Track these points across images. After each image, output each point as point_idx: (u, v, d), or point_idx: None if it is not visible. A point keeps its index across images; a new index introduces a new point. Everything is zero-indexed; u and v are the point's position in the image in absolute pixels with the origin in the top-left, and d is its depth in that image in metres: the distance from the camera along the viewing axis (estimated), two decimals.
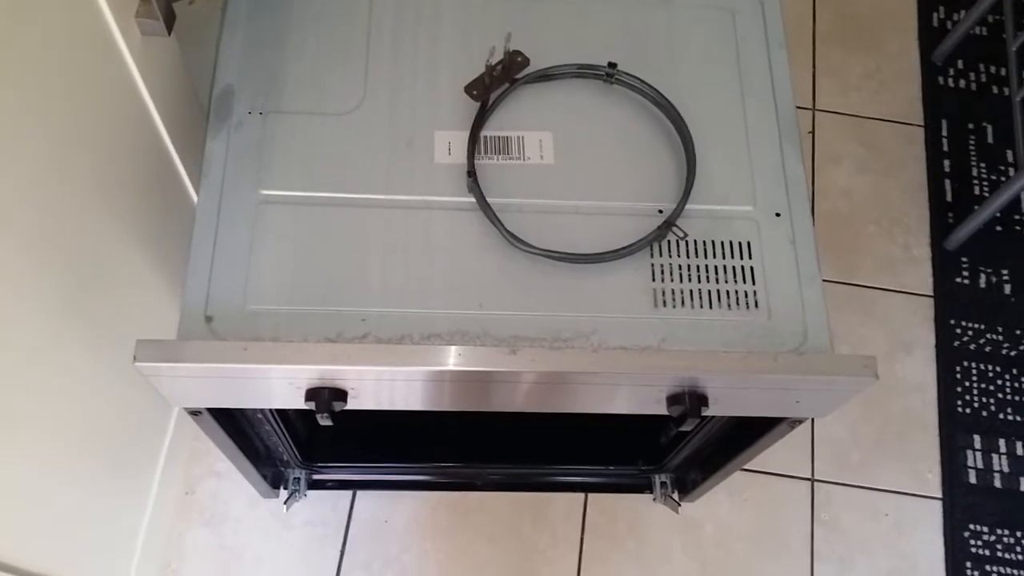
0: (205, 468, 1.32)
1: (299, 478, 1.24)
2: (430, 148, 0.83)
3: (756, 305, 0.79)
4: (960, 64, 1.74)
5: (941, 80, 1.73)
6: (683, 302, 0.79)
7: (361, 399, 0.76)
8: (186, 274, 0.75)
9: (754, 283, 0.80)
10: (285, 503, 1.22)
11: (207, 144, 0.81)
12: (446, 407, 0.79)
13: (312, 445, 1.20)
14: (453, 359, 0.71)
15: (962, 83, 1.73)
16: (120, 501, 1.08)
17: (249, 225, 0.78)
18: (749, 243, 0.82)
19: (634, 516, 1.35)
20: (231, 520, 1.30)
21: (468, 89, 0.85)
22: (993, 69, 1.74)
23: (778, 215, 0.83)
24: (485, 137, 0.84)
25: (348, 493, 1.33)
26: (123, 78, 0.84)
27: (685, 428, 0.81)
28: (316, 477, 1.26)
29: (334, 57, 0.86)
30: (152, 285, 1.02)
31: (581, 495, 1.35)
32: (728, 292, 0.79)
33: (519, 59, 0.87)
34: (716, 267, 0.80)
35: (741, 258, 0.81)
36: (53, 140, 0.74)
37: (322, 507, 1.31)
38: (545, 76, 0.86)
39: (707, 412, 0.78)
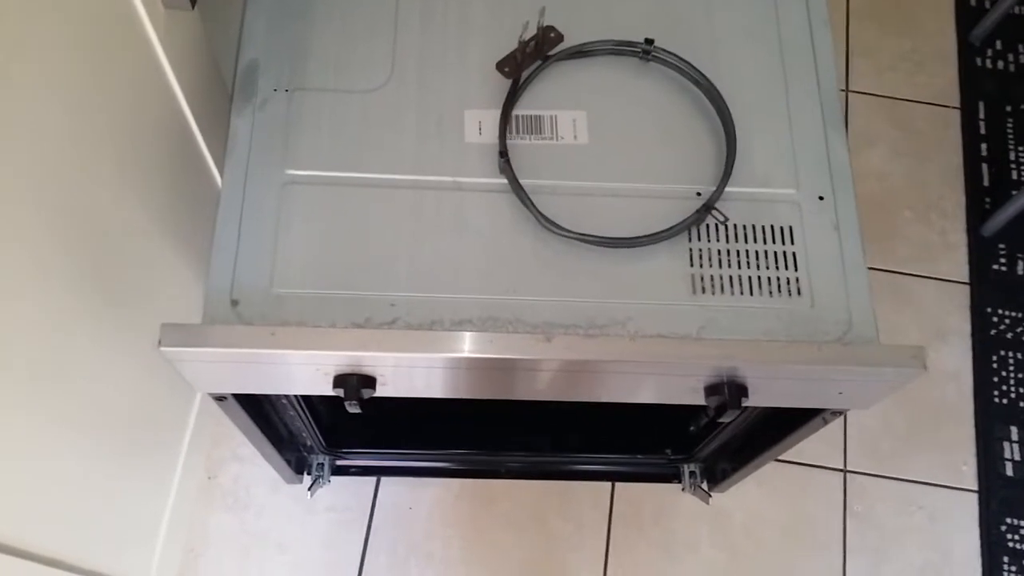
0: (228, 452, 1.31)
1: (323, 464, 1.22)
2: (460, 127, 0.80)
3: (799, 292, 0.76)
4: (999, 45, 1.69)
5: (979, 61, 1.68)
6: (723, 289, 0.76)
7: (390, 386, 0.73)
8: (211, 257, 0.73)
9: (796, 269, 0.77)
10: (309, 489, 1.21)
11: (231, 122, 0.79)
12: (477, 395, 0.77)
13: (336, 431, 1.18)
14: (485, 346, 0.69)
15: (1000, 64, 1.68)
16: (144, 486, 1.07)
17: (275, 206, 0.76)
18: (791, 228, 0.79)
19: (661, 505, 1.32)
20: (254, 505, 1.28)
21: (500, 66, 0.82)
22: None
23: (821, 199, 0.80)
24: (517, 116, 0.81)
25: (372, 479, 1.31)
26: (145, 52, 0.81)
27: (724, 419, 0.78)
28: (340, 463, 1.25)
29: (361, 32, 0.84)
30: (176, 268, 1.00)
31: (608, 484, 1.33)
32: (769, 279, 0.77)
33: (552, 35, 0.84)
34: (757, 252, 0.77)
35: (783, 243, 0.78)
36: (74, 117, 0.72)
37: (345, 493, 1.30)
38: (579, 53, 0.83)
39: (747, 403, 0.75)
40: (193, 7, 0.82)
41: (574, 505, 1.32)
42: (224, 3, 0.92)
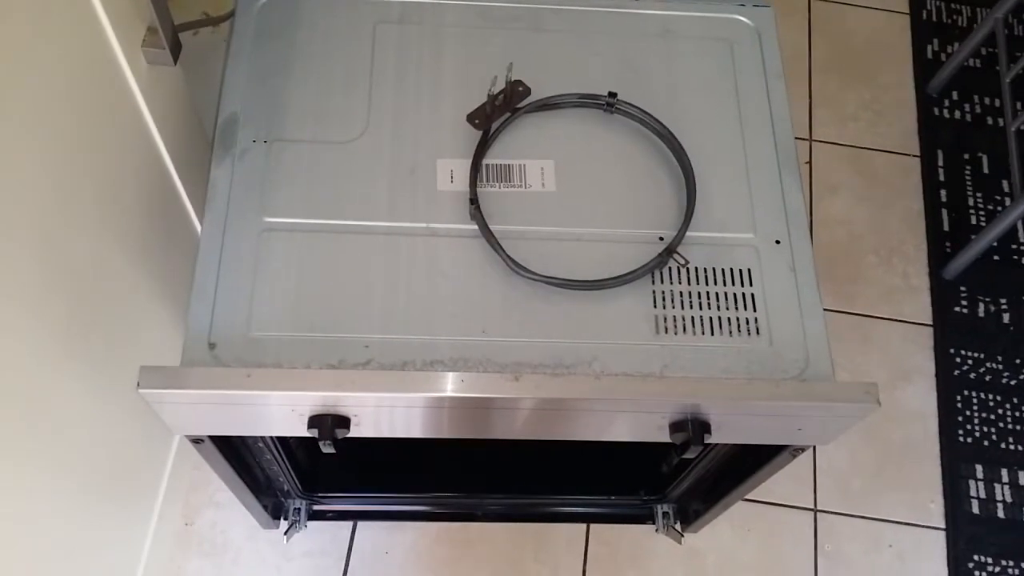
0: (205, 498, 1.31)
1: (299, 508, 1.23)
2: (432, 176, 0.83)
3: (757, 332, 0.79)
4: (955, 95, 1.76)
5: (937, 111, 1.75)
6: (685, 329, 0.79)
7: (364, 426, 0.76)
8: (190, 301, 0.75)
9: (755, 310, 0.80)
10: (285, 534, 1.21)
11: (211, 172, 0.81)
12: (448, 434, 0.79)
13: (313, 475, 1.19)
14: (456, 385, 0.71)
15: (957, 114, 1.75)
16: (119, 532, 1.08)
17: (253, 252, 0.78)
18: (750, 270, 0.82)
19: (636, 547, 1.34)
20: (231, 551, 1.29)
21: (470, 118, 0.86)
22: (988, 100, 1.76)
23: (778, 242, 0.84)
24: (487, 165, 0.84)
25: (348, 524, 1.32)
26: (129, 107, 0.84)
27: (688, 456, 0.80)
28: (316, 508, 1.25)
29: (338, 86, 0.87)
30: (155, 313, 1.02)
31: (583, 526, 1.35)
32: (729, 319, 0.80)
33: (520, 88, 0.88)
34: (717, 294, 0.81)
35: (742, 285, 0.81)
36: (57, 167, 0.75)
37: (322, 538, 1.30)
38: (546, 105, 0.87)
39: (710, 440, 0.77)
40: (175, 63, 0.85)
41: (550, 547, 1.33)
42: (205, 58, 0.96)
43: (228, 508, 1.30)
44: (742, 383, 0.75)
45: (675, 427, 0.77)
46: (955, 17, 1.85)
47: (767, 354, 0.78)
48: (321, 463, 1.18)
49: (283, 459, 1.06)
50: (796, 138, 1.13)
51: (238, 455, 0.96)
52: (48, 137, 0.72)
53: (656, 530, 1.28)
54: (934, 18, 1.85)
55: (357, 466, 1.23)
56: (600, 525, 1.34)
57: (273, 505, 1.19)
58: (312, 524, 1.26)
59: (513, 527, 1.34)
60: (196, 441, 0.83)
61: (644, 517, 1.29)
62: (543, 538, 1.33)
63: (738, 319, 0.80)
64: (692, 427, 0.76)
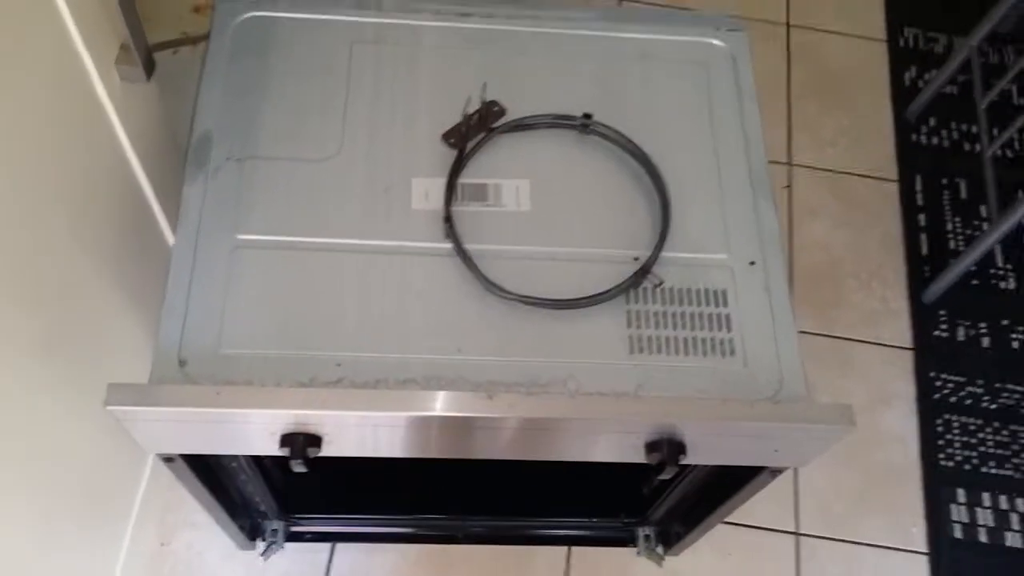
0: (181, 518, 1.29)
1: (277, 529, 1.22)
2: (407, 195, 0.83)
3: (732, 352, 0.79)
4: (932, 121, 1.78)
5: (914, 137, 1.76)
6: (659, 348, 0.79)
7: (336, 445, 0.75)
8: (160, 317, 0.75)
9: (730, 330, 0.80)
10: (262, 555, 1.20)
11: (184, 189, 0.81)
12: (421, 454, 0.78)
13: (290, 495, 1.18)
14: (429, 404, 0.70)
15: (935, 140, 1.76)
16: (92, 553, 1.06)
17: (224, 269, 0.78)
18: (724, 291, 0.82)
19: (617, 570, 1.32)
20: (207, 572, 1.27)
21: (445, 137, 0.86)
22: (964, 126, 1.77)
23: (752, 263, 0.84)
24: (462, 184, 0.84)
25: (327, 545, 1.30)
26: (102, 123, 0.84)
27: (664, 476, 0.80)
28: (294, 528, 1.24)
29: (313, 105, 0.87)
30: (128, 330, 1.01)
31: (563, 549, 1.33)
32: (704, 339, 0.80)
33: (495, 108, 0.88)
34: (692, 314, 0.81)
35: (716, 306, 0.81)
36: (29, 184, 0.74)
37: (300, 559, 1.29)
38: (521, 125, 0.88)
39: (685, 460, 0.77)
40: (149, 79, 0.85)
41: (530, 571, 1.32)
42: (180, 76, 0.96)
43: (205, 529, 1.28)
44: (716, 403, 0.75)
45: (651, 447, 0.77)
46: (932, 45, 1.88)
47: (741, 375, 0.78)
48: (298, 483, 1.16)
49: (258, 478, 1.05)
50: (776, 163, 1.13)
51: (212, 474, 0.95)
52: (19, 152, 0.72)
53: (637, 553, 1.28)
54: (911, 45, 1.88)
55: (335, 487, 1.22)
56: (581, 548, 1.33)
57: (250, 525, 1.18)
58: (290, 545, 1.25)
59: (494, 550, 1.32)
60: (168, 460, 0.82)
61: (625, 540, 1.29)
62: (524, 561, 1.32)
63: (712, 339, 0.80)
64: (667, 447, 0.76)
